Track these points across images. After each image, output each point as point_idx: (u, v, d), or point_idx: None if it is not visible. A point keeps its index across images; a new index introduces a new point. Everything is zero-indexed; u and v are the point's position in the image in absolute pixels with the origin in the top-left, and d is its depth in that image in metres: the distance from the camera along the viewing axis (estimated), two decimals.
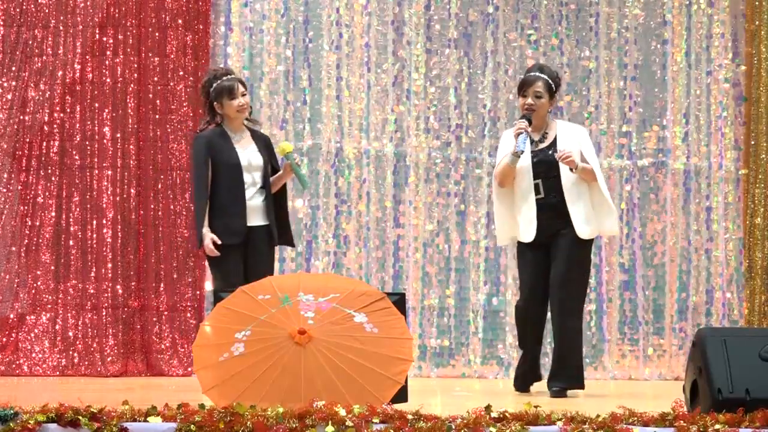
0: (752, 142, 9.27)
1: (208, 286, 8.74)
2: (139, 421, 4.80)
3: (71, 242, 8.86)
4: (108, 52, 8.92)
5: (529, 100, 7.39)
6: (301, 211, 9.04)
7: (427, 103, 9.22)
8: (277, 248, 7.48)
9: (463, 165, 9.23)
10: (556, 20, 9.29)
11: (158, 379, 8.61)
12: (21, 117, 8.88)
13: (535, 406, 4.93)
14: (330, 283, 5.88)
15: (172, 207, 8.93)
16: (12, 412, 4.75)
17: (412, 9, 9.20)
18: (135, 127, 8.93)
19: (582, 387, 7.36)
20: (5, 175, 8.85)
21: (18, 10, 8.88)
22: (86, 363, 8.72)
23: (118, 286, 8.84)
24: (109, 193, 8.89)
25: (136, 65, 8.93)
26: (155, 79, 8.95)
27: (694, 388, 5.52)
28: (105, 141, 8.91)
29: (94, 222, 8.88)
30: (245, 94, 7.11)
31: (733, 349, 5.34)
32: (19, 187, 8.89)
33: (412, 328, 8.95)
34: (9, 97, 8.87)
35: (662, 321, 9.22)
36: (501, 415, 4.86)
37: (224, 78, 7.09)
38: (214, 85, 7.09)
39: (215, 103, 7.10)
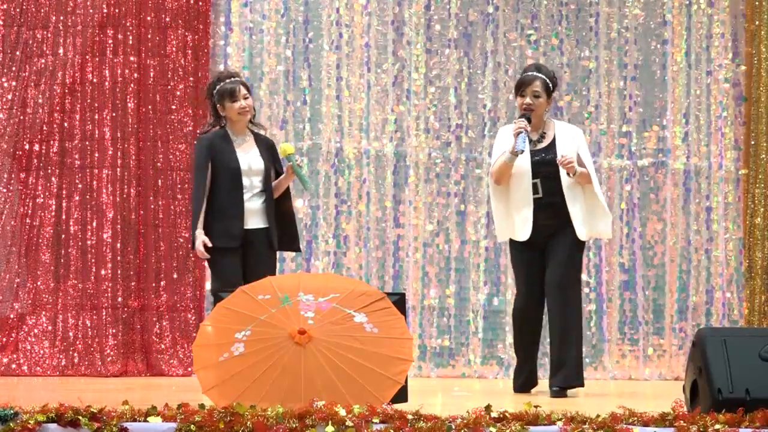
0: (752, 142, 9.27)
1: (209, 286, 8.73)
2: (139, 421, 4.79)
3: (71, 242, 8.86)
4: (108, 52, 8.92)
5: (528, 100, 7.39)
6: (301, 211, 9.04)
7: (427, 103, 9.22)
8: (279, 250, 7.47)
9: (463, 165, 9.23)
10: (556, 20, 9.29)
11: (158, 379, 8.61)
12: (21, 117, 8.88)
13: (535, 406, 4.93)
14: (330, 283, 5.88)
15: (172, 207, 8.93)
16: (12, 412, 4.75)
17: (412, 9, 9.20)
18: (135, 127, 8.93)
19: (582, 385, 7.36)
20: (5, 175, 8.85)
21: (18, 10, 8.88)
22: (86, 363, 8.73)
23: (118, 286, 8.85)
24: (109, 193, 8.89)
25: (136, 65, 8.93)
26: (155, 79, 8.95)
27: (694, 388, 5.52)
28: (105, 141, 8.91)
29: (94, 222, 8.89)
30: (248, 97, 7.10)
31: (733, 349, 5.34)
32: (19, 187, 8.89)
33: (412, 328, 8.95)
34: (9, 97, 8.87)
35: (662, 321, 9.23)
36: (501, 415, 4.86)
37: (227, 80, 7.08)
38: (218, 87, 7.09)
39: (218, 105, 7.10)
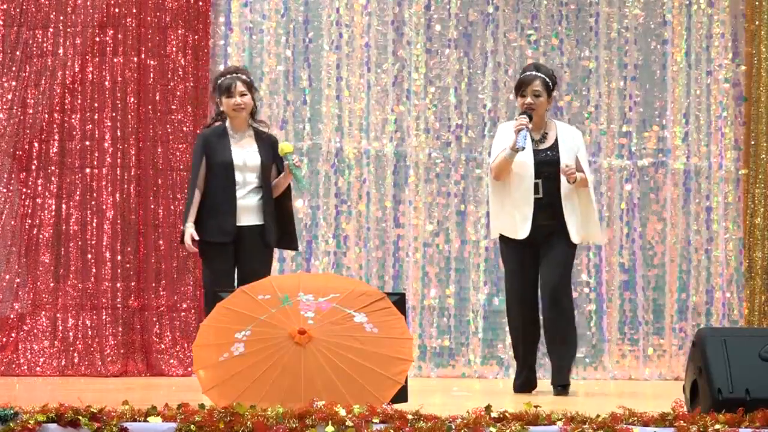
0: (752, 142, 9.27)
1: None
2: (139, 421, 4.79)
3: (71, 242, 8.86)
4: (108, 52, 8.92)
5: (528, 100, 7.38)
6: (301, 211, 9.04)
7: (427, 103, 9.22)
8: (277, 249, 7.47)
9: (463, 165, 9.23)
10: (556, 20, 9.29)
11: (158, 379, 8.61)
12: (21, 117, 8.88)
13: (535, 406, 4.93)
14: (330, 283, 5.87)
15: (172, 207, 8.93)
16: (12, 412, 4.75)
17: (412, 9, 9.20)
18: (135, 127, 8.93)
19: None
20: (5, 175, 8.84)
21: (18, 10, 8.88)
22: (86, 363, 8.72)
23: (118, 286, 8.84)
24: (109, 193, 8.89)
25: (136, 65, 8.93)
26: (155, 79, 8.95)
27: (694, 388, 5.52)
28: (105, 141, 8.91)
29: (94, 222, 8.88)
30: (245, 94, 7.07)
31: (733, 349, 5.33)
32: (19, 187, 8.89)
33: (412, 328, 8.95)
34: (9, 97, 8.87)
35: (662, 321, 9.22)
36: (501, 415, 4.85)
37: (227, 76, 7.09)
38: (218, 82, 7.11)
39: (218, 100, 7.12)
